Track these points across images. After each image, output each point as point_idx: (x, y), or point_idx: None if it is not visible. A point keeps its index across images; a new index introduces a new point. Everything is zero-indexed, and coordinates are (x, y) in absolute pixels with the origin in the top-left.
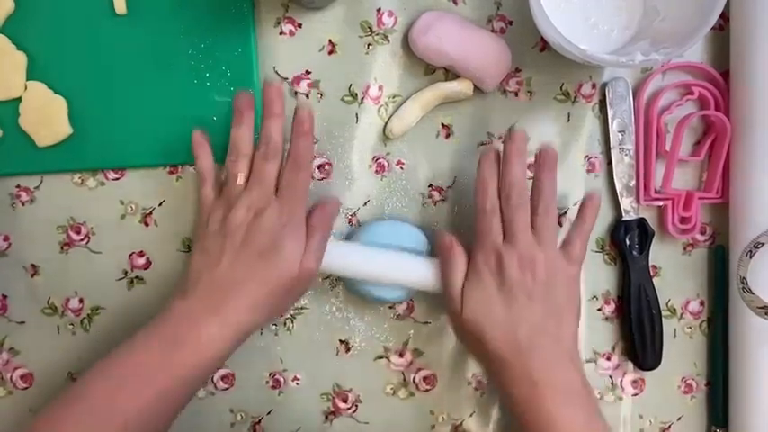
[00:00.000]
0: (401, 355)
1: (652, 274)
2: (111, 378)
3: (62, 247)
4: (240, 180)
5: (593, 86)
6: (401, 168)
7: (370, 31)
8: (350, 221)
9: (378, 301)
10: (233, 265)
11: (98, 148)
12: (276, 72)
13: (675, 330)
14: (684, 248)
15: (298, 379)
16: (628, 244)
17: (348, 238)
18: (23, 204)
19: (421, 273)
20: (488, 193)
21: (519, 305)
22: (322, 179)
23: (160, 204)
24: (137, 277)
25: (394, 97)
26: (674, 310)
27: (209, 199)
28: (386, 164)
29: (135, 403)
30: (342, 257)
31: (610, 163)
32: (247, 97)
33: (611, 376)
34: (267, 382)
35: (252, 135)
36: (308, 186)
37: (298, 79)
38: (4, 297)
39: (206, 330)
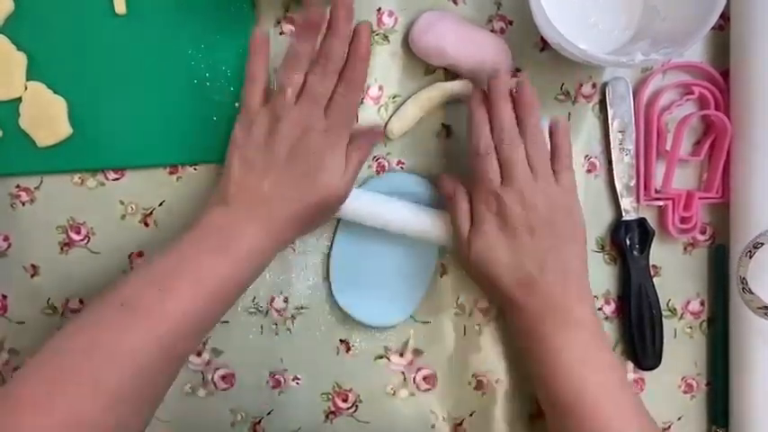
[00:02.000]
0: (401, 355)
1: (652, 273)
2: (156, 282)
3: (62, 248)
4: (291, 93)
5: (594, 86)
6: (401, 168)
7: (371, 30)
8: None
9: (373, 327)
10: (277, 181)
11: (98, 148)
12: (276, 72)
13: (676, 330)
14: (685, 248)
15: (298, 379)
16: (628, 244)
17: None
18: (23, 204)
19: (432, 223)
20: (482, 136)
21: (523, 242)
22: None
23: (160, 204)
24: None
25: (394, 97)
26: (675, 309)
27: (255, 104)
28: (386, 164)
29: (182, 306)
30: (358, 204)
31: (610, 163)
32: (319, 14)
33: None
34: (267, 381)
35: (313, 52)
36: (357, 109)
37: None
38: (4, 297)
39: (249, 240)
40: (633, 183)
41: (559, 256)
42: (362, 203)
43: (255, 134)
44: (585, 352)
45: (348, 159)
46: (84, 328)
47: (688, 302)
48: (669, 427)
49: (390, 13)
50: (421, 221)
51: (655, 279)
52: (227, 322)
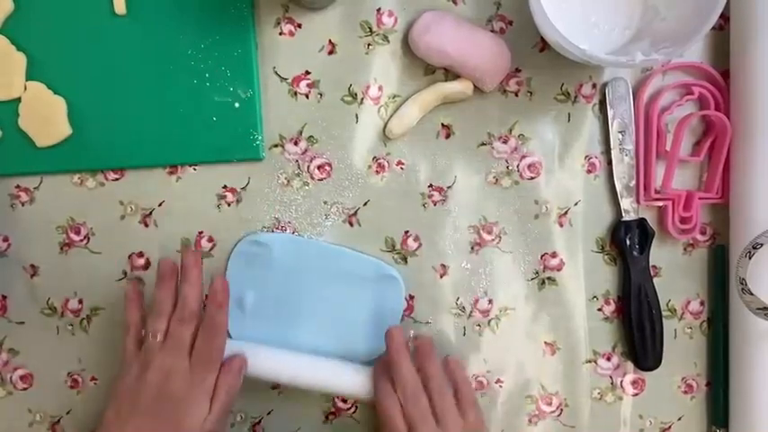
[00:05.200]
0: None
1: (652, 274)
2: None
3: (62, 248)
4: (158, 338)
5: (594, 86)
6: (401, 168)
7: (370, 31)
8: (350, 222)
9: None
10: (139, 427)
11: (98, 148)
12: (276, 72)
13: (676, 330)
14: (684, 249)
15: None
16: (628, 244)
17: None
18: (23, 204)
19: (353, 384)
20: (387, 396)
21: None
22: (322, 179)
23: (160, 204)
24: (136, 277)
25: (394, 97)
26: (675, 310)
27: (130, 351)
28: (386, 164)
29: None
30: (270, 368)
31: (610, 163)
32: (170, 264)
33: (611, 376)
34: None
35: (172, 297)
36: (221, 352)
37: (298, 79)
38: (4, 297)
39: None
40: (633, 183)
41: None
42: (274, 365)
43: (126, 380)
44: None
45: (214, 400)
46: None
47: (688, 303)
48: (669, 427)
49: (390, 13)
50: (340, 383)
51: (655, 279)
52: None
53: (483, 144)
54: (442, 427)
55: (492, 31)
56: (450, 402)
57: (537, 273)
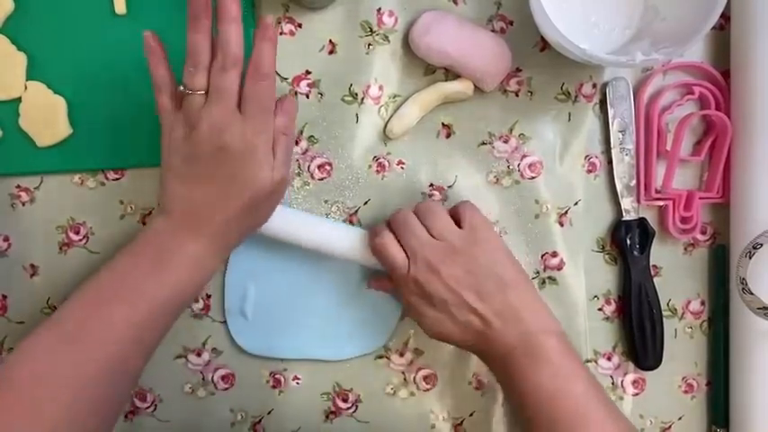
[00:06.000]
0: (401, 355)
1: (653, 273)
2: (94, 308)
3: (61, 248)
4: (194, 95)
5: (594, 86)
6: (401, 168)
7: (371, 30)
8: (350, 221)
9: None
10: (207, 187)
11: (98, 148)
12: (276, 72)
13: (676, 330)
14: (685, 248)
15: (298, 378)
16: (628, 244)
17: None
18: (23, 204)
19: (359, 244)
20: (382, 235)
21: (462, 311)
22: (323, 179)
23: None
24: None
25: (394, 97)
26: (675, 309)
27: (167, 111)
28: (386, 164)
29: (119, 332)
30: (283, 223)
31: (610, 163)
32: (202, 1)
33: (611, 376)
34: (267, 381)
35: (209, 43)
36: (273, 95)
37: (298, 79)
38: (4, 297)
39: (192, 248)
40: (633, 183)
41: (503, 301)
42: (290, 221)
43: (175, 144)
44: (560, 371)
45: (275, 144)
46: (26, 360)
47: (688, 302)
48: (670, 426)
49: (390, 13)
50: (346, 242)
51: (655, 279)
52: (224, 322)
53: (483, 143)
54: (448, 248)
55: (492, 30)
56: (445, 220)
57: (537, 272)
